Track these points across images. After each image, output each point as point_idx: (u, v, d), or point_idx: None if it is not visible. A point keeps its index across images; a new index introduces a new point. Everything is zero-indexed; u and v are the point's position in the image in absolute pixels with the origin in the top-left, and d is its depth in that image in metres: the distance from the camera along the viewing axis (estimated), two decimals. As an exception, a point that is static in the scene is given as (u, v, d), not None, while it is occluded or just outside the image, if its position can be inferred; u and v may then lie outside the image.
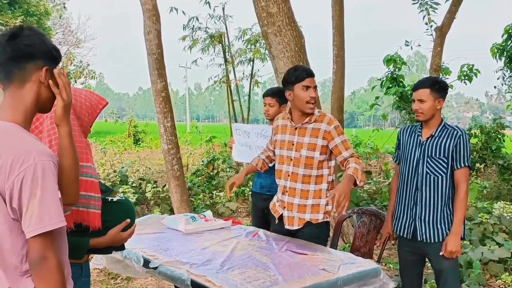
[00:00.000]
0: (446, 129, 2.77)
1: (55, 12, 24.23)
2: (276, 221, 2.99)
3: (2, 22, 19.32)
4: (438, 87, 2.77)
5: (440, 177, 2.74)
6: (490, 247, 4.45)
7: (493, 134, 8.29)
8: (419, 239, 2.80)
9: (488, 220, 5.03)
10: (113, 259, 2.63)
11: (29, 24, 1.55)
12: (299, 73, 2.80)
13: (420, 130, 2.86)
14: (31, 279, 1.42)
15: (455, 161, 2.72)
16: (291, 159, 2.88)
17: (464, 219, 2.77)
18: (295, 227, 2.90)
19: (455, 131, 2.74)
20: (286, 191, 2.91)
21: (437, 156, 2.75)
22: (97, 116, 1.98)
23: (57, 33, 25.04)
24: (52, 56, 1.54)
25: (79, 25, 35.12)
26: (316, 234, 2.87)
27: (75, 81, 19.41)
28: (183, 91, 72.18)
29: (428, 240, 2.77)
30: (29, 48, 1.48)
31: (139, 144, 18.66)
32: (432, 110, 2.76)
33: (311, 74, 2.82)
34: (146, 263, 2.42)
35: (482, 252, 4.32)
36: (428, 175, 2.77)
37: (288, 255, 2.53)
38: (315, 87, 2.83)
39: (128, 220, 1.94)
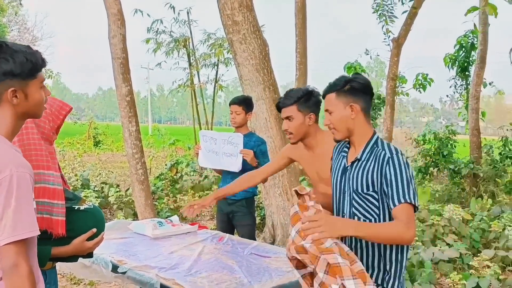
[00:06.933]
0: (376, 149, 1.88)
1: (11, 8, 23.36)
2: None
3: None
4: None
5: (369, 220, 1.85)
6: (440, 247, 4.75)
7: (445, 140, 8.78)
8: None
9: (439, 222, 5.34)
10: (80, 265, 2.66)
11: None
12: None
13: (346, 150, 2.01)
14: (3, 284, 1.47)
15: (388, 198, 1.77)
16: None
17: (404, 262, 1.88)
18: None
19: (383, 152, 1.83)
20: None
21: (364, 191, 1.85)
22: (61, 123, 1.96)
23: (12, 30, 24.17)
24: (22, 71, 1.51)
25: (36, 23, 33.87)
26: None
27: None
28: (145, 93, 70.95)
29: None
30: None
31: (100, 146, 18.31)
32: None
33: None
34: (115, 268, 2.47)
35: (433, 253, 4.59)
36: (355, 217, 1.88)
37: (253, 258, 2.65)
38: None
39: (94, 230, 1.91)
